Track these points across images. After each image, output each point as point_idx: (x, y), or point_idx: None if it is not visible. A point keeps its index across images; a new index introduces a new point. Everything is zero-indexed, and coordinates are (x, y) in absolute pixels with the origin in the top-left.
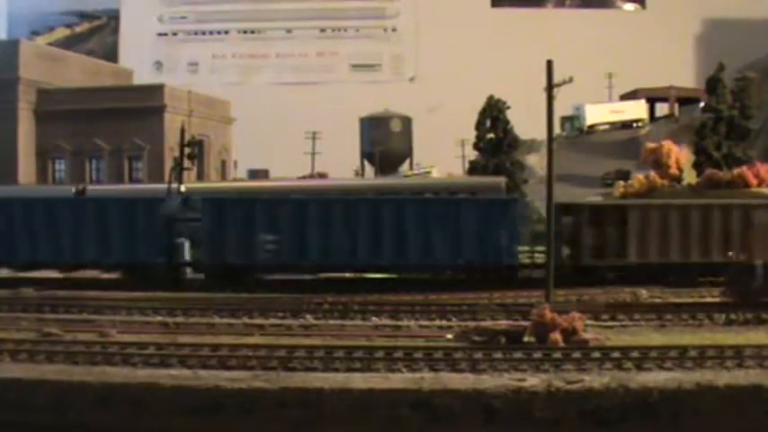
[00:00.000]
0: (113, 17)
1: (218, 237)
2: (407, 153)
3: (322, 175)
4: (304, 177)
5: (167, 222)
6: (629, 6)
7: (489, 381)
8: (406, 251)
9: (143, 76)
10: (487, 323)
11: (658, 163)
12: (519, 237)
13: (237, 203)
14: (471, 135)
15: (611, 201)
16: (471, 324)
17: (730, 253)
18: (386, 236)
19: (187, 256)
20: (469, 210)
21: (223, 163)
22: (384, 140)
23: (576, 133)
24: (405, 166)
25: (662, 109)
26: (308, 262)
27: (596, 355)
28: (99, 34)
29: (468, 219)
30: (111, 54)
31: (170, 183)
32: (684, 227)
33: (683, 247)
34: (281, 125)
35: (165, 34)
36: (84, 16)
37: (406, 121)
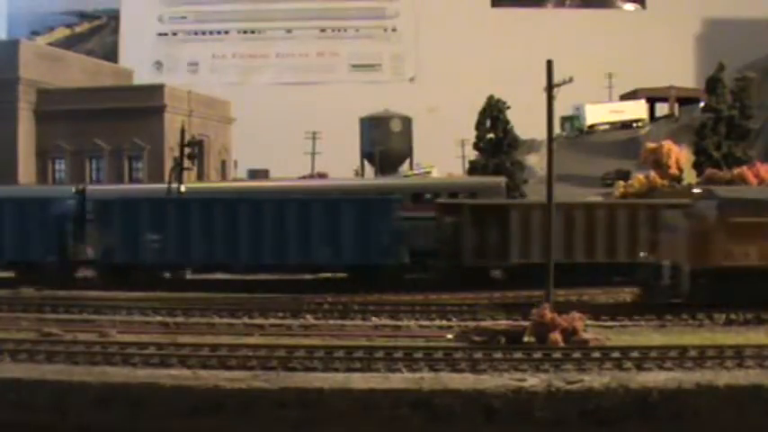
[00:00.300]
0: (113, 17)
1: (107, 236)
2: (407, 153)
3: (322, 175)
4: (304, 177)
5: (60, 222)
6: (629, 6)
7: (489, 381)
8: (287, 252)
9: (143, 76)
10: (487, 323)
11: (658, 163)
12: (402, 236)
13: (124, 204)
14: (471, 135)
15: (492, 201)
16: (471, 324)
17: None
18: (266, 236)
19: (83, 254)
20: (349, 210)
21: (223, 163)
22: (384, 140)
23: (575, 133)
24: (405, 166)
25: (662, 109)
26: (192, 261)
27: (596, 355)
28: (99, 34)
29: (347, 219)
30: (111, 54)
31: (170, 183)
32: (568, 227)
33: (566, 247)
34: (281, 125)
35: (165, 34)
36: (84, 16)
37: (406, 121)
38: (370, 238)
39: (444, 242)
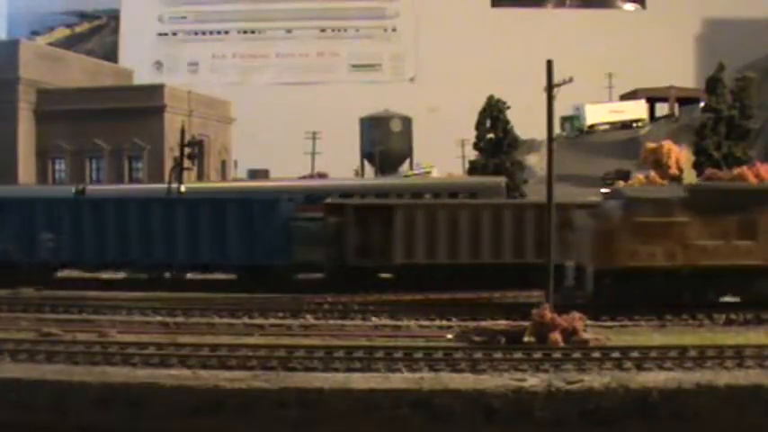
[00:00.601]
0: (113, 17)
1: (4, 235)
2: (407, 153)
3: (322, 175)
4: (304, 177)
5: None
6: (629, 6)
7: (489, 381)
8: (176, 251)
9: (143, 76)
10: (487, 323)
11: (658, 163)
12: (291, 237)
13: (18, 204)
14: (471, 135)
15: (375, 201)
16: (471, 324)
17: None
18: (156, 236)
19: None
20: (235, 211)
21: (223, 163)
22: (384, 140)
23: (576, 133)
24: (405, 166)
25: (662, 109)
26: (85, 260)
27: (596, 355)
28: (99, 34)
29: (234, 220)
30: (111, 54)
31: (170, 183)
32: (453, 227)
33: (451, 247)
34: (281, 125)
35: (165, 34)
36: (84, 16)
37: (406, 121)
38: (256, 239)
39: (329, 242)
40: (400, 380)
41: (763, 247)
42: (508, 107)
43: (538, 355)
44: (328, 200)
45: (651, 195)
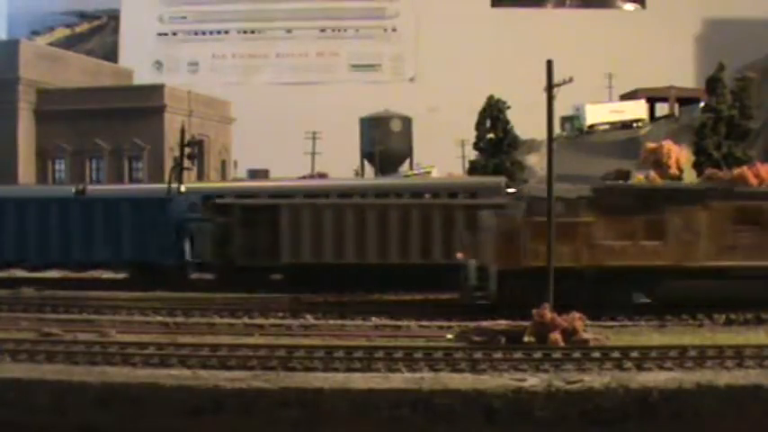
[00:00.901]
0: (113, 17)
1: None
2: (407, 153)
3: (322, 175)
4: (304, 177)
5: None
6: (629, 6)
7: (489, 381)
8: (70, 250)
9: (143, 76)
10: (487, 323)
11: (658, 163)
12: (179, 236)
13: None
14: (471, 135)
15: (261, 200)
16: (471, 324)
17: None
18: (52, 235)
19: None
20: (129, 210)
21: (223, 163)
22: (384, 140)
23: (576, 133)
24: (405, 167)
25: (662, 109)
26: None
27: (596, 355)
28: (99, 34)
29: (128, 219)
30: (111, 54)
31: (170, 182)
32: (339, 227)
33: (336, 247)
34: (281, 125)
35: (165, 34)
36: (84, 16)
37: (406, 121)
38: (148, 238)
39: (218, 242)
40: (400, 380)
41: (672, 248)
42: (508, 107)
43: (538, 355)
44: (215, 200)
45: (555, 195)
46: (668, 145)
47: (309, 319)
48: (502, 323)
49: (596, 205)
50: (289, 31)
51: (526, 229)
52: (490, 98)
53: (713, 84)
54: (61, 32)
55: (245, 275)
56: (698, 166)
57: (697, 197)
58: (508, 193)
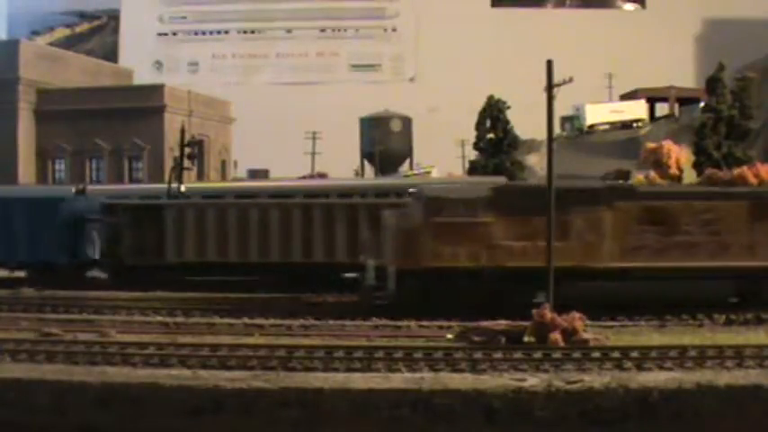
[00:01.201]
0: (113, 17)
1: None
2: (407, 153)
3: (322, 175)
4: (304, 177)
5: None
6: (629, 6)
7: (489, 381)
8: None
9: (143, 76)
10: (487, 323)
11: (658, 163)
12: (72, 235)
13: None
14: (471, 135)
15: (147, 201)
16: (471, 324)
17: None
18: None
19: None
20: (23, 210)
21: (223, 163)
22: (384, 140)
23: (576, 133)
24: (405, 167)
25: (662, 109)
26: None
27: (596, 355)
28: (99, 34)
29: (22, 218)
30: (111, 54)
31: (170, 182)
32: (222, 226)
33: (219, 246)
34: (281, 125)
35: (165, 34)
36: (84, 16)
37: (406, 121)
38: (41, 238)
39: (108, 242)
40: (400, 380)
41: (574, 249)
42: (508, 107)
43: (538, 355)
44: (104, 201)
45: (451, 195)
46: (668, 145)
47: (309, 319)
48: (502, 323)
49: (496, 205)
50: (289, 31)
51: (424, 229)
52: (490, 98)
53: (713, 84)
54: (61, 32)
55: (134, 274)
56: (698, 166)
57: (602, 197)
58: (408, 194)
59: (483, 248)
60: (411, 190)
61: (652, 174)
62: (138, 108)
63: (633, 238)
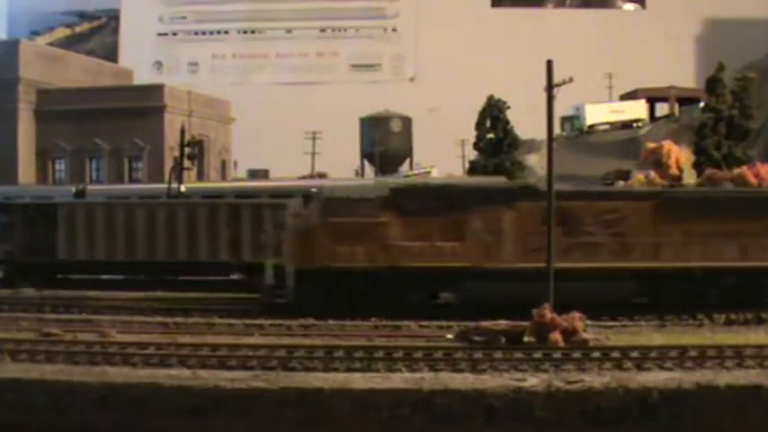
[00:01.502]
0: (113, 17)
1: None
2: (407, 153)
3: (322, 175)
4: (304, 177)
5: None
6: (629, 6)
7: (489, 381)
8: None
9: (143, 76)
10: (487, 323)
11: (658, 163)
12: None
13: None
14: (471, 135)
15: (41, 200)
16: (471, 324)
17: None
18: None
19: None
20: None
21: (223, 163)
22: (384, 140)
23: (575, 133)
24: (405, 167)
25: (662, 109)
26: None
27: (596, 355)
28: (99, 34)
29: None
30: (111, 54)
31: (170, 182)
32: (110, 225)
33: (107, 244)
34: (281, 125)
35: (165, 34)
36: (84, 16)
37: (406, 121)
38: None
39: (3, 240)
40: (400, 380)
41: (471, 249)
42: (508, 107)
43: (538, 355)
44: None
45: (348, 195)
46: (668, 145)
47: (309, 319)
48: (502, 323)
49: (394, 206)
50: (289, 31)
51: (322, 228)
52: (490, 98)
53: (713, 84)
54: (61, 32)
55: (28, 272)
56: (698, 166)
57: (503, 197)
58: (313, 192)
59: (380, 249)
60: (314, 189)
61: (652, 174)
62: (138, 108)
63: (535, 239)
